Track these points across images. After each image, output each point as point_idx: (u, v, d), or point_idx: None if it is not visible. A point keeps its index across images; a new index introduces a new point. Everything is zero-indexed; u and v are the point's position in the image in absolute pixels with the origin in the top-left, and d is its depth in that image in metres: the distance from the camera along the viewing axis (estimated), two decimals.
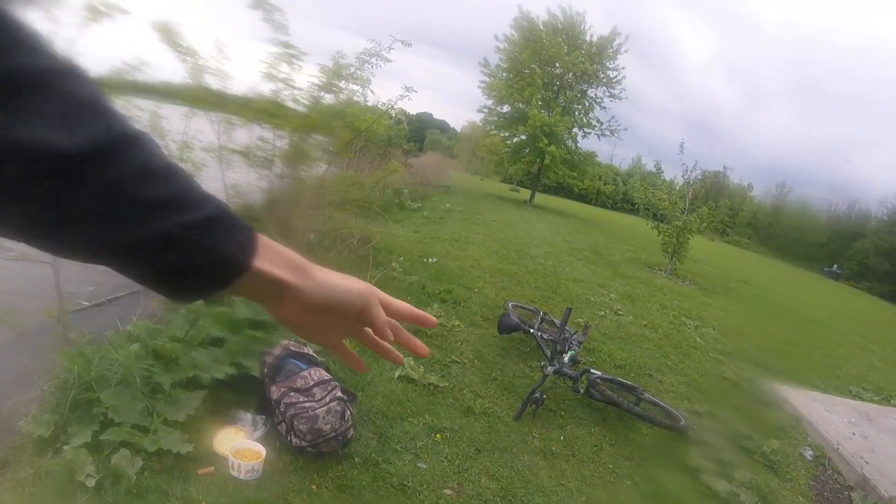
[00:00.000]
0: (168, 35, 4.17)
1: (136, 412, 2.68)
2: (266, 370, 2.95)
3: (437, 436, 3.20)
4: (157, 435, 2.62)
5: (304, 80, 4.82)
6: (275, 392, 2.78)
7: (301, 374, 2.79)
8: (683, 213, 12.01)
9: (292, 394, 2.72)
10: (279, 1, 4.33)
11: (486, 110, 25.32)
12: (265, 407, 2.85)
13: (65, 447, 2.50)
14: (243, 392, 3.01)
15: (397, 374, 3.73)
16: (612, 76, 23.79)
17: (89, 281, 5.14)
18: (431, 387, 3.73)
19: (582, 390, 3.91)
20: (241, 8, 4.23)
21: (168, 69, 4.51)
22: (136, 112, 4.05)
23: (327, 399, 2.70)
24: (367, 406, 3.29)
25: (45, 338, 3.58)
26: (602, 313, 6.79)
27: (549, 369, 3.76)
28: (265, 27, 4.36)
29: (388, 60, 5.00)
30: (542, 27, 23.73)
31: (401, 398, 3.50)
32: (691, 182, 13.10)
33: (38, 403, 2.89)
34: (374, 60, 4.96)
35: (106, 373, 2.87)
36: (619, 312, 7.01)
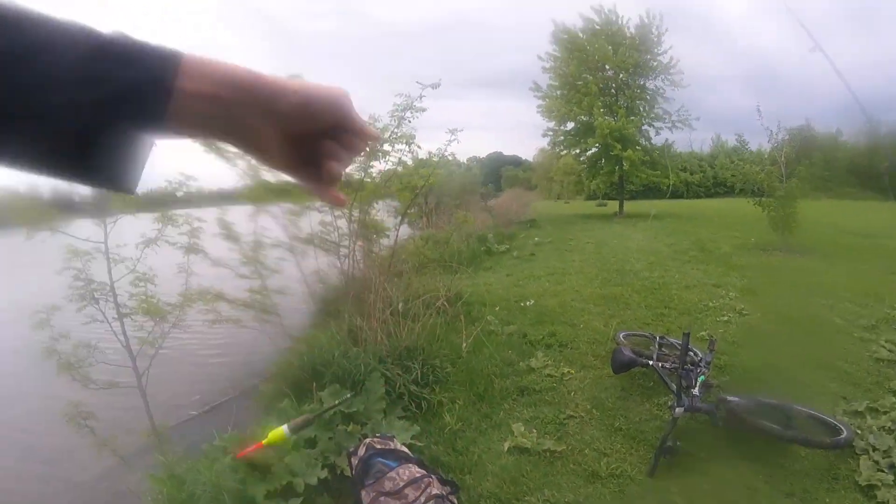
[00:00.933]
0: (213, 145, 4.27)
1: None
2: (354, 473, 2.74)
3: None
4: None
5: None
6: (365, 497, 2.55)
7: (389, 474, 2.55)
8: (781, 180, 10.96)
9: (382, 499, 2.47)
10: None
11: (550, 133, 24.84)
12: None
13: None
14: (340, 494, 2.81)
15: (507, 446, 3.38)
16: (664, 62, 22.71)
17: (195, 390, 5.32)
18: (548, 454, 3.33)
19: (721, 423, 3.37)
20: None
21: (220, 175, 4.62)
22: (197, 224, 4.12)
23: (422, 499, 2.43)
24: (475, 491, 2.97)
25: (148, 458, 3.65)
26: (725, 318, 6.07)
27: (678, 410, 3.23)
28: None
29: (422, 109, 4.87)
30: (581, 34, 23.15)
31: (514, 474, 3.12)
32: (780, 145, 11.99)
33: None
34: (408, 115, 4.85)
35: (198, 491, 2.79)
36: (744, 312, 6.27)
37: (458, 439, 3.49)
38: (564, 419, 3.77)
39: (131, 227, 3.97)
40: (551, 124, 24.39)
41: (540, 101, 24.32)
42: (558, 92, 23.88)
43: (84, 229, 3.81)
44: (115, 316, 3.80)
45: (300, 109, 0.48)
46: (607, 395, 4.11)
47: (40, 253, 3.82)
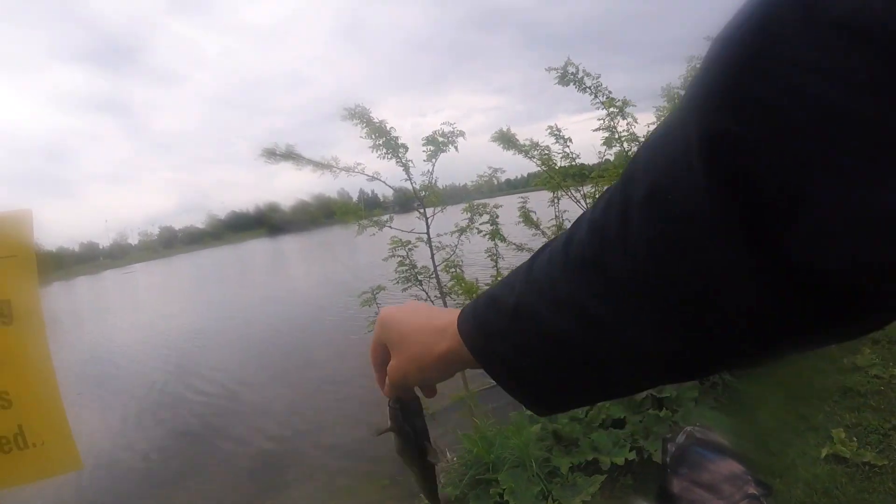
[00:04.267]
0: (507, 141, 4.54)
1: (532, 496, 2.72)
2: (668, 459, 2.66)
3: None
4: None
5: (644, 130, 4.61)
6: (676, 485, 2.45)
7: (708, 465, 2.41)
8: None
9: (696, 489, 2.35)
10: (591, 65, 4.36)
11: None
12: (666, 500, 2.55)
13: None
14: (644, 478, 2.77)
15: (824, 452, 2.94)
16: None
17: None
18: (867, 467, 2.80)
19: None
20: (544, 96, 4.40)
21: (511, 167, 4.87)
22: (494, 211, 4.41)
23: (737, 497, 2.25)
24: (784, 497, 2.64)
25: (454, 417, 4.13)
26: None
27: None
28: (577, 101, 4.40)
29: None
30: None
31: (827, 485, 2.70)
32: None
33: (444, 475, 3.21)
34: None
35: (505, 455, 3.03)
36: None
37: (773, 439, 3.15)
38: (890, 429, 3.09)
39: (442, 219, 4.45)
40: None
41: None
42: None
43: (398, 223, 4.36)
44: (438, 295, 4.33)
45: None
46: None
47: (367, 244, 4.52)
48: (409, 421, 0.63)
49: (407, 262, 4.25)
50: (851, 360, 3.94)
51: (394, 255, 4.23)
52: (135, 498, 4.56)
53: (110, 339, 11.75)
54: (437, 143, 4.04)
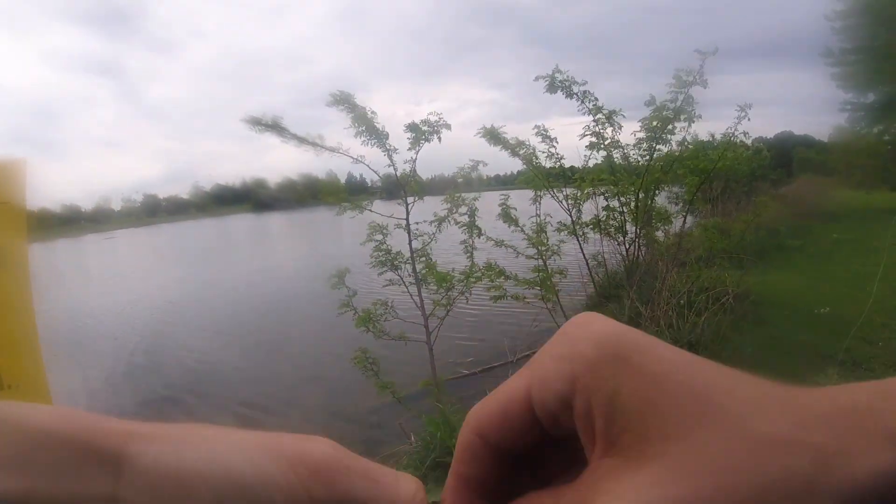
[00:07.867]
0: (493, 137, 4.62)
1: None
2: None
3: None
4: None
5: (630, 138, 4.74)
6: None
7: None
8: None
9: None
10: (582, 73, 4.45)
11: (848, 107, 19.75)
12: None
13: None
14: None
15: None
16: None
17: (469, 353, 5.85)
18: None
19: None
20: (540, 94, 4.48)
21: (502, 164, 4.96)
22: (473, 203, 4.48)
23: None
24: None
25: (421, 403, 4.18)
26: None
27: None
28: (571, 103, 4.49)
29: (704, 85, 4.49)
30: None
31: None
32: None
33: (406, 457, 3.35)
34: (688, 91, 4.54)
35: None
36: None
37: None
38: None
39: (424, 208, 4.45)
40: (848, 96, 19.36)
41: (834, 69, 19.50)
42: (853, 57, 18.89)
43: (382, 208, 4.40)
44: (413, 281, 4.38)
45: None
46: None
47: (351, 228, 4.54)
48: None
49: (384, 246, 4.28)
50: (815, 379, 4.05)
51: (371, 240, 4.28)
52: None
53: (88, 302, 11.65)
54: (420, 131, 4.08)
